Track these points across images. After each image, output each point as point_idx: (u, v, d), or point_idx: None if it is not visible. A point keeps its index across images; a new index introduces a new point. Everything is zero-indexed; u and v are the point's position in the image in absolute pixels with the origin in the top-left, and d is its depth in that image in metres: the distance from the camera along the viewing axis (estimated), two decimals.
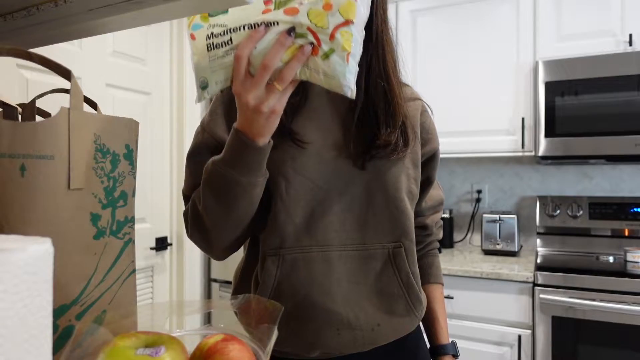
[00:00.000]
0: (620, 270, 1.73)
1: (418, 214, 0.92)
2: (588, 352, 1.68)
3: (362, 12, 0.53)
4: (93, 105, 0.57)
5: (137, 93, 2.06)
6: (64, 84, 1.68)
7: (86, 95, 0.55)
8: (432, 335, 0.93)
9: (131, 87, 2.02)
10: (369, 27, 0.77)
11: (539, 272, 1.77)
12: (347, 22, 0.52)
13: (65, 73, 0.50)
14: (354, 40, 0.53)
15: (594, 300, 1.67)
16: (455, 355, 0.91)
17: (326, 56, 0.53)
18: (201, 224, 0.74)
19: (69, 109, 0.46)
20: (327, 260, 0.74)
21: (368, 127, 0.76)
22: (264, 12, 0.52)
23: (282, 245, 0.74)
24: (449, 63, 2.21)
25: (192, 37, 0.53)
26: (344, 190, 0.76)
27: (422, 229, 0.94)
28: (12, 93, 1.53)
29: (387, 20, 0.80)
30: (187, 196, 0.80)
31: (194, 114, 2.29)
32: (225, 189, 0.67)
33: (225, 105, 0.78)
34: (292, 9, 0.52)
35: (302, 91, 0.77)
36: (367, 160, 0.76)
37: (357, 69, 0.55)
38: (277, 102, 0.58)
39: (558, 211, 2.21)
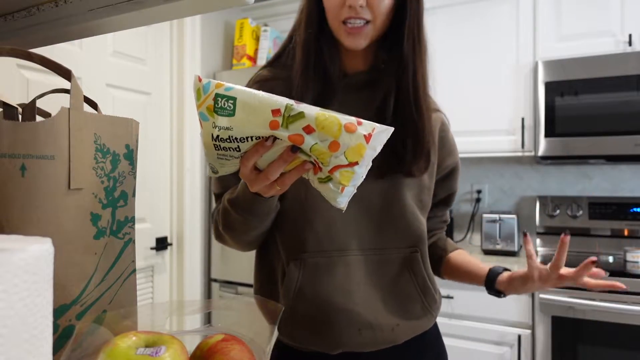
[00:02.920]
0: (620, 270, 1.73)
1: (436, 218, 0.97)
2: (588, 352, 1.68)
3: (373, 154, 0.51)
4: (93, 105, 0.57)
5: (137, 93, 2.06)
6: (64, 84, 1.68)
7: (86, 95, 0.55)
8: (476, 277, 0.90)
9: (131, 87, 2.02)
10: (399, 45, 0.78)
11: None
12: (351, 164, 0.50)
13: (66, 73, 0.50)
14: (355, 178, 0.52)
15: (593, 300, 1.67)
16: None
17: (322, 181, 0.54)
18: (223, 236, 0.81)
19: (69, 109, 0.46)
20: (347, 264, 0.77)
21: (391, 148, 0.75)
22: (271, 123, 0.49)
23: (304, 250, 0.77)
24: (449, 63, 2.21)
25: (200, 122, 0.52)
26: (362, 197, 0.77)
27: (445, 221, 1.01)
28: (12, 93, 1.53)
29: (423, 35, 0.82)
30: (216, 194, 0.84)
31: (194, 114, 2.29)
32: (239, 224, 0.74)
33: None
34: (298, 136, 0.49)
35: (325, 103, 0.78)
36: (386, 172, 0.79)
37: (355, 190, 0.54)
38: (281, 190, 0.60)
39: (558, 211, 2.21)
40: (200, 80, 0.50)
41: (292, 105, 0.49)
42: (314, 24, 0.79)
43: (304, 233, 0.76)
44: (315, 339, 0.77)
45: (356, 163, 0.50)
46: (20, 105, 0.54)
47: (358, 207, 0.78)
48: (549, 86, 1.95)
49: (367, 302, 0.77)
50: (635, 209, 2.09)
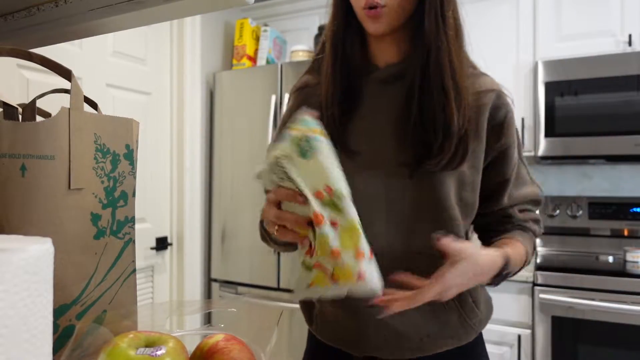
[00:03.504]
0: (620, 270, 1.73)
1: (498, 210, 0.83)
2: (588, 352, 1.68)
3: (348, 288, 0.52)
4: (93, 105, 0.57)
5: (137, 93, 2.06)
6: (64, 84, 1.68)
7: (86, 95, 0.55)
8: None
9: (131, 87, 2.02)
10: (420, 19, 0.73)
11: (538, 272, 1.77)
12: (332, 278, 0.52)
13: (66, 73, 0.50)
14: (325, 291, 0.53)
15: (593, 300, 1.67)
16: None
17: (304, 264, 0.56)
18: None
19: (69, 109, 0.46)
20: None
21: (418, 137, 0.72)
22: (317, 193, 0.53)
23: None
24: None
25: (279, 135, 0.56)
26: (392, 199, 0.75)
27: (506, 217, 0.84)
28: (12, 93, 1.53)
29: (448, 11, 0.75)
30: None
31: (194, 114, 2.29)
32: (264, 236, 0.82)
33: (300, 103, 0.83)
34: (321, 218, 0.52)
35: (354, 97, 0.77)
36: (417, 169, 0.73)
37: (313, 297, 0.55)
38: (277, 235, 0.61)
39: (558, 211, 2.21)
40: (310, 115, 0.55)
41: (343, 193, 0.52)
42: (340, 16, 0.77)
43: None
44: (340, 339, 0.78)
45: (335, 281, 0.52)
46: (20, 105, 0.54)
47: (387, 209, 0.74)
48: (549, 86, 1.95)
49: None
50: (635, 209, 2.09)
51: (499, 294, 1.84)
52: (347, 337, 0.77)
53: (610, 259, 1.97)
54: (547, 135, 1.96)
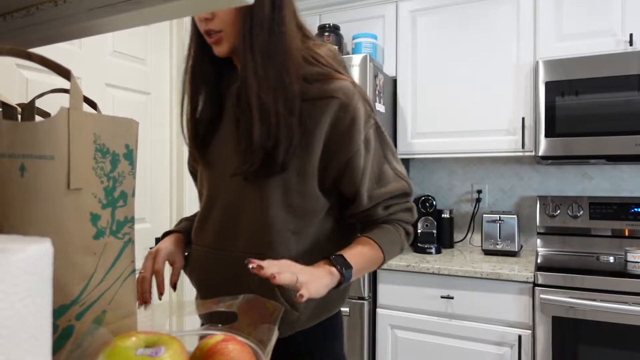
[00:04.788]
0: (621, 271, 1.73)
1: (361, 212, 0.87)
2: (588, 353, 1.68)
3: None
4: (93, 105, 0.57)
5: (137, 93, 2.06)
6: (64, 84, 1.68)
7: (86, 95, 0.55)
8: None
9: (131, 87, 2.02)
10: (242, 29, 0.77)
11: (539, 272, 1.77)
12: None
13: (65, 73, 0.49)
14: None
15: (594, 300, 1.67)
16: (339, 268, 0.76)
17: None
18: None
19: (68, 109, 0.46)
20: (205, 258, 0.88)
21: (241, 147, 0.80)
22: None
23: (192, 239, 0.93)
24: (449, 63, 2.21)
25: None
26: (227, 201, 0.85)
27: (370, 216, 0.88)
28: (12, 93, 1.53)
29: (257, 29, 0.77)
30: None
31: None
32: None
33: None
34: None
35: (218, 112, 0.88)
36: (247, 175, 0.81)
37: None
38: None
39: (558, 211, 2.21)
40: None
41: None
42: (196, 41, 0.87)
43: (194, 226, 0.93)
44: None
45: None
46: (19, 105, 0.54)
47: (221, 209, 0.86)
48: (549, 86, 1.95)
49: (215, 292, 0.87)
50: (635, 209, 2.09)
51: (499, 294, 1.84)
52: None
53: (611, 259, 1.97)
54: (547, 135, 1.96)
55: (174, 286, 0.87)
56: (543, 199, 2.25)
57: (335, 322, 0.91)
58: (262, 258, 0.76)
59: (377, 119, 0.87)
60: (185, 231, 0.97)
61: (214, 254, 0.86)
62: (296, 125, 0.78)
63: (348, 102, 0.80)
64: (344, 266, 0.76)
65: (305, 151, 0.80)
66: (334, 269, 0.75)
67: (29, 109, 0.53)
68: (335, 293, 0.82)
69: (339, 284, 0.76)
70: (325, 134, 0.80)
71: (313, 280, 0.70)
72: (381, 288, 2.04)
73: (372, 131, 0.84)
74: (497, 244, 2.15)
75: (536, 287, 1.77)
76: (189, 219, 1.02)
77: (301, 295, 0.65)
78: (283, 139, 0.77)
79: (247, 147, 0.78)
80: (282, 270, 0.66)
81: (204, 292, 0.90)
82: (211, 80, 0.88)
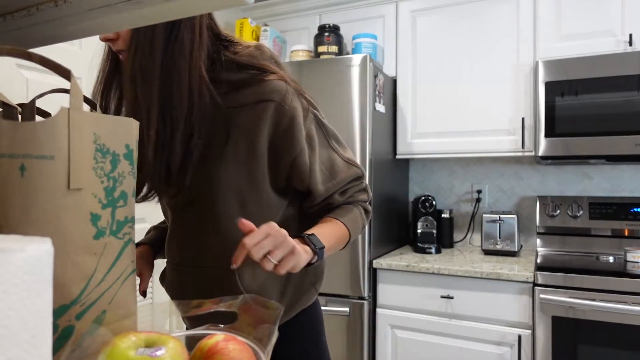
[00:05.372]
0: (621, 270, 1.73)
1: (319, 203, 0.89)
2: (588, 352, 1.68)
3: None
4: (92, 105, 0.57)
5: None
6: (64, 84, 1.68)
7: (86, 95, 0.55)
8: None
9: None
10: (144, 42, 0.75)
11: (539, 272, 1.77)
12: None
13: (65, 73, 0.49)
14: None
15: (594, 300, 1.67)
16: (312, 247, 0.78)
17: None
18: None
19: (68, 109, 0.46)
20: (177, 275, 0.91)
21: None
22: None
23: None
24: (449, 63, 2.21)
25: None
26: (186, 219, 0.88)
27: (329, 204, 0.90)
28: (12, 93, 1.53)
29: (147, 44, 0.75)
30: None
31: None
32: None
33: None
34: None
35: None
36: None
37: None
38: None
39: (558, 211, 2.21)
40: None
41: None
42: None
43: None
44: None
45: None
46: (19, 105, 0.54)
47: (182, 225, 0.88)
48: (549, 86, 1.95)
49: (180, 292, 0.90)
50: (635, 209, 2.09)
51: (499, 294, 1.84)
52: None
53: (611, 259, 1.97)
54: (547, 135, 1.96)
55: (143, 294, 0.87)
56: (543, 199, 2.25)
57: (312, 313, 0.92)
58: (230, 269, 0.79)
59: (316, 111, 0.87)
60: (152, 242, 0.97)
61: (185, 271, 0.88)
62: (179, 142, 0.77)
63: (283, 103, 0.79)
64: (318, 244, 0.78)
65: (253, 158, 0.80)
66: (307, 248, 0.76)
67: (29, 109, 0.53)
68: (306, 284, 0.87)
69: (309, 263, 0.76)
70: (268, 137, 0.80)
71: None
72: (381, 288, 2.04)
73: (312, 126, 0.85)
74: (497, 244, 2.15)
75: (536, 287, 1.77)
76: (158, 227, 1.03)
77: (272, 266, 0.68)
78: (173, 157, 0.77)
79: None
80: (277, 246, 0.68)
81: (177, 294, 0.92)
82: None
